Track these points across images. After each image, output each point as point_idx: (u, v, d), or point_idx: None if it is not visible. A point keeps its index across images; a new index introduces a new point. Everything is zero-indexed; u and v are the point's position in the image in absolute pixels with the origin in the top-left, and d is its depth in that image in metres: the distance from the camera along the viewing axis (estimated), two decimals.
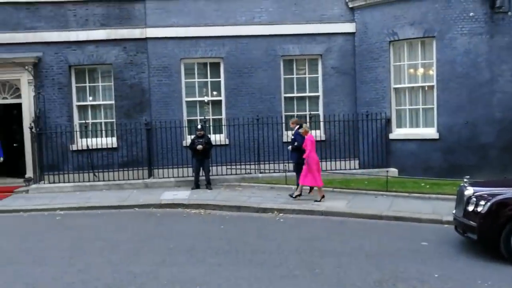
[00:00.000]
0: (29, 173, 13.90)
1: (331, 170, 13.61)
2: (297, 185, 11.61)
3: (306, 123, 12.67)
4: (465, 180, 7.91)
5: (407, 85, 13.72)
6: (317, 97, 14.82)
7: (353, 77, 14.62)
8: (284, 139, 14.30)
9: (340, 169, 13.79)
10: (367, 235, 8.64)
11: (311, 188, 11.79)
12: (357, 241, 8.23)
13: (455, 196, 8.26)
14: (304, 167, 11.12)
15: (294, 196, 11.47)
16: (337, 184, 12.49)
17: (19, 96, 14.39)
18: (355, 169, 14.11)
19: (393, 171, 13.42)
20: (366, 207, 10.43)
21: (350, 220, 9.89)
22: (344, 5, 14.47)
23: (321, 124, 14.57)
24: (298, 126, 11.90)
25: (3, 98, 14.52)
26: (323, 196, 11.16)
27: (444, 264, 6.87)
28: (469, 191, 7.46)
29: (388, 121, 13.80)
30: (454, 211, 7.93)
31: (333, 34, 14.55)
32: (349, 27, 14.51)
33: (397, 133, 13.85)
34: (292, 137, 12.07)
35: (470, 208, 7.25)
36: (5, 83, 14.40)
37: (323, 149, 14.01)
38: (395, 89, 13.83)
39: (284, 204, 10.98)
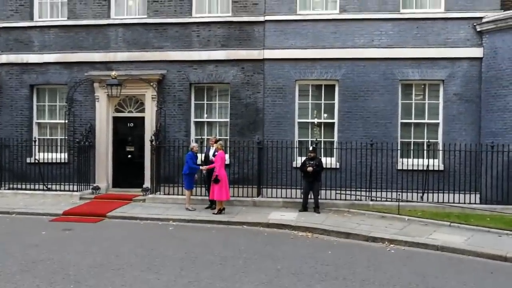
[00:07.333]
0: (147, 183, 14.69)
1: (448, 202, 12.77)
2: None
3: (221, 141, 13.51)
4: None
5: None
6: (437, 124, 14.09)
7: (477, 105, 13.72)
8: (399, 167, 13.75)
9: (459, 202, 12.86)
10: (488, 277, 7.88)
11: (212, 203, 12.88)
12: (478, 283, 7.52)
13: None
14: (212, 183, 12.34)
15: (216, 212, 12.44)
16: (454, 218, 11.63)
17: (142, 111, 15.39)
18: (475, 203, 13.08)
19: None
20: (488, 246, 9.50)
21: (469, 258, 9.09)
22: (472, 28, 13.70)
23: (440, 153, 13.79)
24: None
25: (129, 111, 15.61)
26: (220, 210, 12.41)
27: None
28: None
29: None
30: None
31: (458, 59, 13.82)
32: (476, 52, 13.68)
33: None
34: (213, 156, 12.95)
35: None
36: (131, 97, 15.49)
37: (440, 180, 13.27)
38: None
39: (396, 235, 10.40)
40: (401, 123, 14.19)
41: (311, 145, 13.81)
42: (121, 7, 15.64)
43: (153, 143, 14.15)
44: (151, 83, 14.82)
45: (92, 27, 15.41)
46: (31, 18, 15.82)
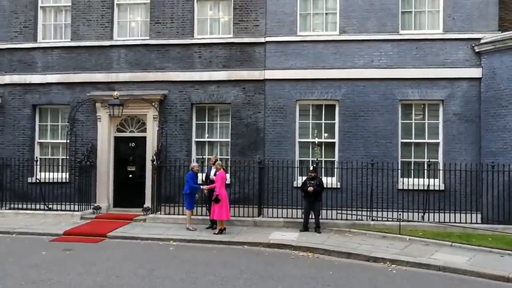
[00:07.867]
0: (148, 203, 14.68)
1: (449, 222, 12.74)
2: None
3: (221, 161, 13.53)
4: None
5: None
6: (437, 144, 14.13)
7: (477, 124, 13.78)
8: (400, 187, 13.75)
9: (460, 222, 12.83)
10: None
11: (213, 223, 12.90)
12: None
13: None
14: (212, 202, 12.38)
15: (216, 232, 12.41)
16: (456, 238, 11.60)
17: (144, 130, 15.47)
18: (476, 223, 13.05)
19: None
20: (490, 267, 9.47)
21: (471, 279, 9.05)
22: (470, 49, 13.84)
23: (440, 172, 13.80)
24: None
25: (130, 131, 15.69)
26: (220, 229, 12.38)
27: None
28: None
29: None
30: None
31: (457, 79, 13.93)
32: (475, 72, 13.81)
33: None
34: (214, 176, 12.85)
35: None
36: (133, 117, 15.59)
37: (441, 199, 13.28)
38: None
39: (397, 255, 10.37)
40: (402, 142, 14.24)
41: (311, 165, 13.84)
42: (123, 28, 15.84)
43: (154, 162, 14.18)
44: (153, 103, 14.93)
45: (95, 48, 15.59)
46: (35, 40, 16.01)
